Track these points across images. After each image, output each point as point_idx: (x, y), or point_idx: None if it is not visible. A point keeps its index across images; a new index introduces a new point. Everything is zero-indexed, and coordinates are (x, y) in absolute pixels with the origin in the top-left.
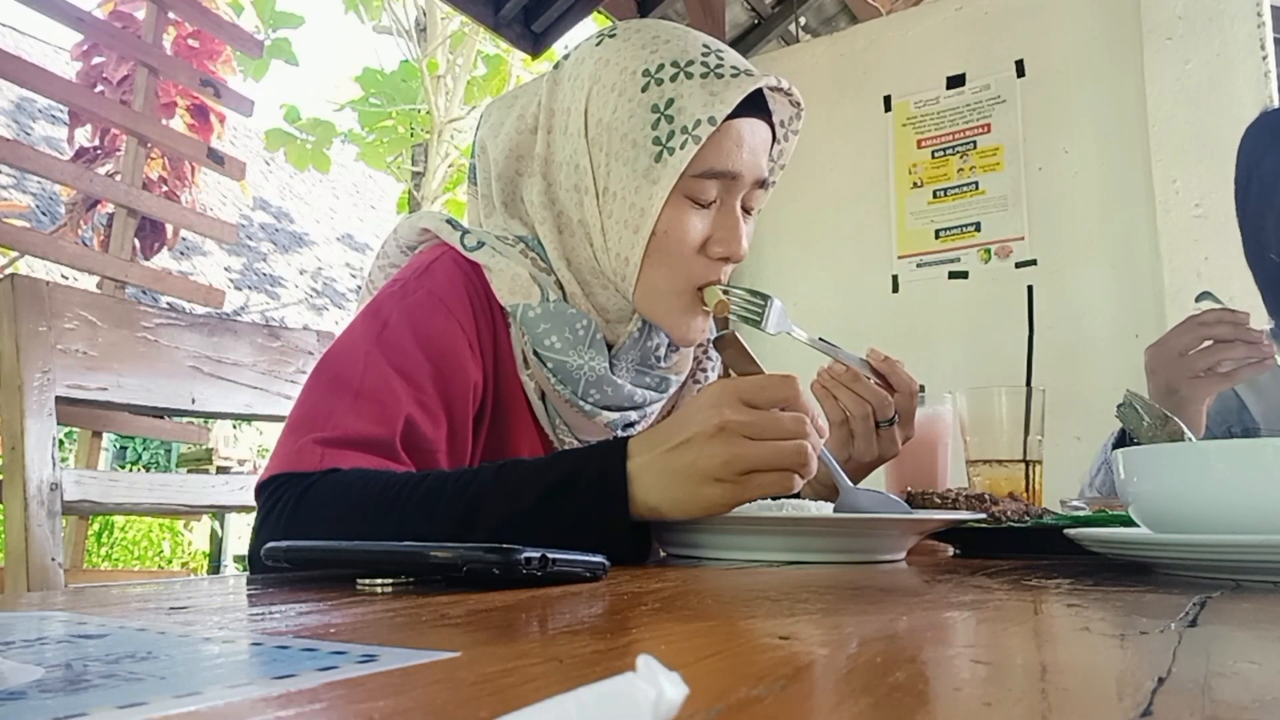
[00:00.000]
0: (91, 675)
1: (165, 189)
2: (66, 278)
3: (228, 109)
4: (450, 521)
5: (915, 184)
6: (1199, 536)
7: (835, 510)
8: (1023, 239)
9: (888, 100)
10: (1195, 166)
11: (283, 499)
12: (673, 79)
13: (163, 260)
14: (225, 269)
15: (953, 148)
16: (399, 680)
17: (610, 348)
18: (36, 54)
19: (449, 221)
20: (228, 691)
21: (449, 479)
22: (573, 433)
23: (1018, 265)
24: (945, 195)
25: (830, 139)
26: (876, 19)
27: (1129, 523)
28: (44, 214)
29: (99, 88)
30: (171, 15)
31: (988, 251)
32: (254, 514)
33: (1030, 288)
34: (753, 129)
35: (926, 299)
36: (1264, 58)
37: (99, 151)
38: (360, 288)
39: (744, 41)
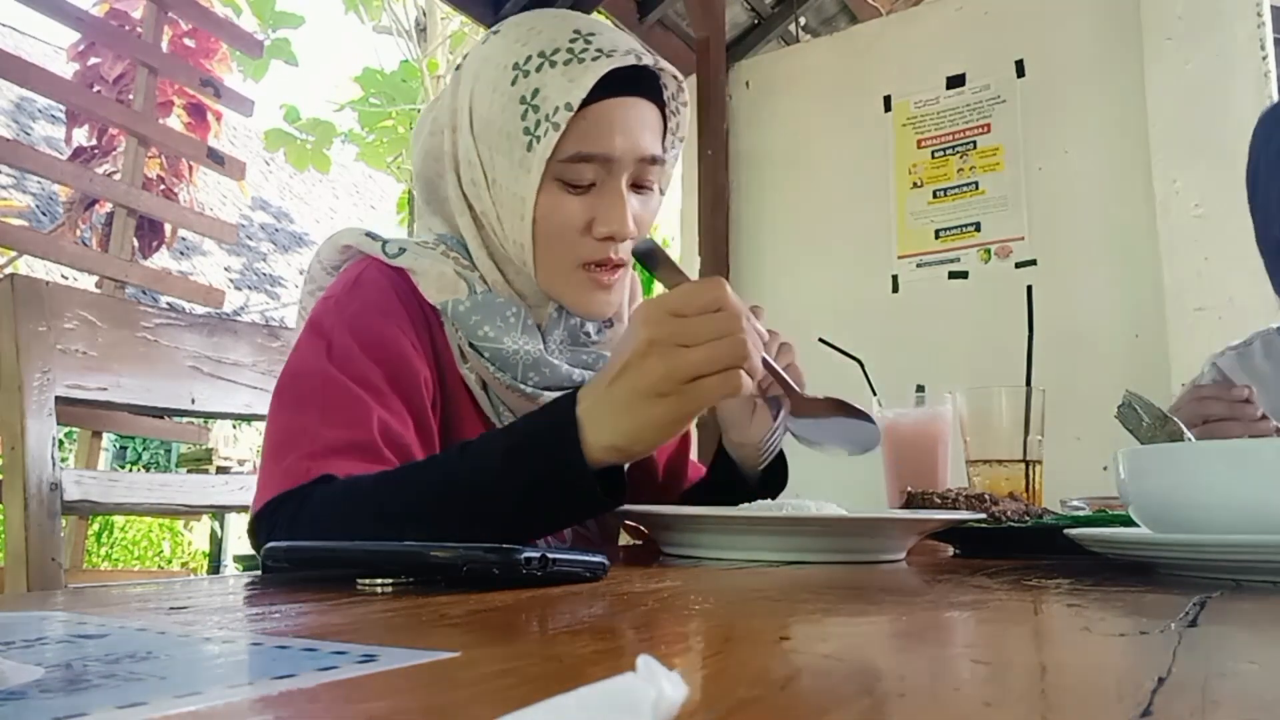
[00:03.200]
0: (91, 675)
1: (163, 187)
2: (66, 277)
3: (227, 109)
4: (425, 503)
5: (915, 184)
6: (1199, 536)
7: (795, 425)
8: (1023, 239)
9: (888, 100)
10: (1195, 166)
11: (280, 521)
12: (538, 69)
13: (162, 260)
14: (225, 269)
15: (953, 148)
16: (399, 680)
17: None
18: (36, 54)
19: (368, 234)
20: (228, 691)
21: (422, 466)
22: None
23: (1018, 265)
24: (945, 195)
25: (830, 139)
26: (876, 19)
27: (1129, 523)
28: (43, 214)
29: (95, 88)
30: (171, 15)
31: (988, 251)
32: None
33: (1030, 288)
34: (626, 108)
35: (926, 299)
36: (1264, 58)
37: (96, 151)
38: (298, 315)
39: (744, 41)
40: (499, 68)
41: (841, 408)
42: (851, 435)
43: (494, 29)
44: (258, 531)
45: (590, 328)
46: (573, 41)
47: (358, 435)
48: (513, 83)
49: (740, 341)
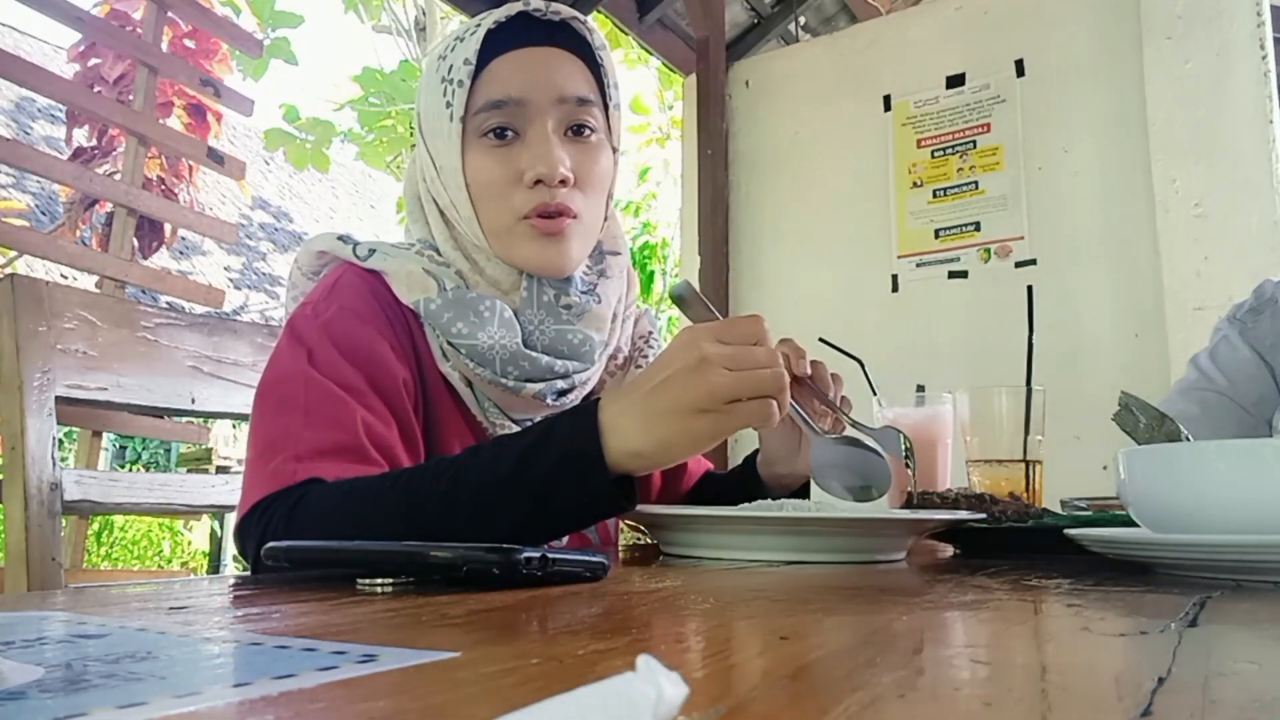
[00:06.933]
0: (91, 675)
1: (163, 187)
2: (66, 277)
3: (227, 108)
4: (434, 500)
5: (915, 184)
6: (1199, 536)
7: (812, 461)
8: (1022, 239)
9: (887, 100)
10: (1195, 166)
11: (272, 521)
12: (450, 50)
13: (162, 260)
14: (225, 269)
15: (952, 147)
16: (399, 680)
17: (520, 321)
18: (36, 54)
19: (340, 238)
20: (228, 691)
21: (429, 465)
22: (504, 414)
23: (1017, 265)
24: (945, 195)
25: (830, 139)
26: (876, 19)
27: (1129, 523)
28: (43, 214)
29: (96, 88)
30: (171, 15)
31: (987, 251)
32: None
33: (1030, 288)
34: (532, 55)
35: (926, 299)
36: (1264, 58)
37: (96, 151)
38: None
39: (744, 41)
40: (429, 68)
41: (857, 444)
42: (863, 469)
43: None
44: (246, 532)
45: (563, 300)
46: (479, 20)
47: (342, 438)
48: (434, 70)
49: (779, 374)
